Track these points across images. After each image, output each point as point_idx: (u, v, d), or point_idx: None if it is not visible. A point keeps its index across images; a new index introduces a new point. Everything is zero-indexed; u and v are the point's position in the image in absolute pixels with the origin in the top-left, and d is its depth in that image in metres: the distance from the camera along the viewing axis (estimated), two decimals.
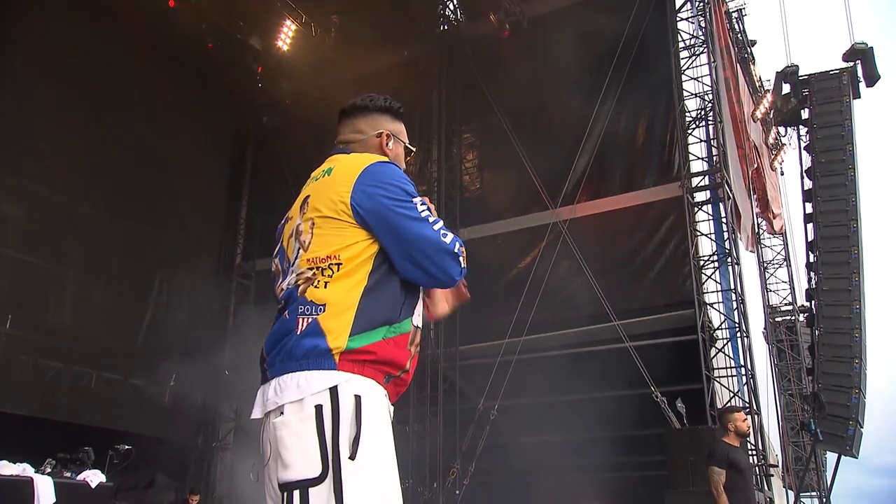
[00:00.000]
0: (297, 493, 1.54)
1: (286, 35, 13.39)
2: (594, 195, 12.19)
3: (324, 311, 1.67)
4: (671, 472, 9.00)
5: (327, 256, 1.74)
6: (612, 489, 11.91)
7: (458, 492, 11.40)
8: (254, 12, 13.04)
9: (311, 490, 1.53)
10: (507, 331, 11.53)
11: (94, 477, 6.29)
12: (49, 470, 6.12)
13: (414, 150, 2.11)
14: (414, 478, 11.79)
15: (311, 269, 1.74)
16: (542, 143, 12.72)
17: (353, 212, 1.74)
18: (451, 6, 14.45)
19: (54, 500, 5.70)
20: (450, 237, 1.78)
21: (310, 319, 1.67)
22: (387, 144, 2.03)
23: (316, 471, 1.54)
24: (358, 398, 1.61)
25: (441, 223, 1.81)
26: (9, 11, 9.97)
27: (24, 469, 5.73)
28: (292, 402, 1.62)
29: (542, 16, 13.22)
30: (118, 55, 10.83)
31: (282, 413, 1.63)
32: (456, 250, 1.78)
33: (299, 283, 1.74)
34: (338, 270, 1.72)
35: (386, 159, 1.90)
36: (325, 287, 1.70)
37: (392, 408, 1.82)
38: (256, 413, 1.72)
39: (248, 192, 15.23)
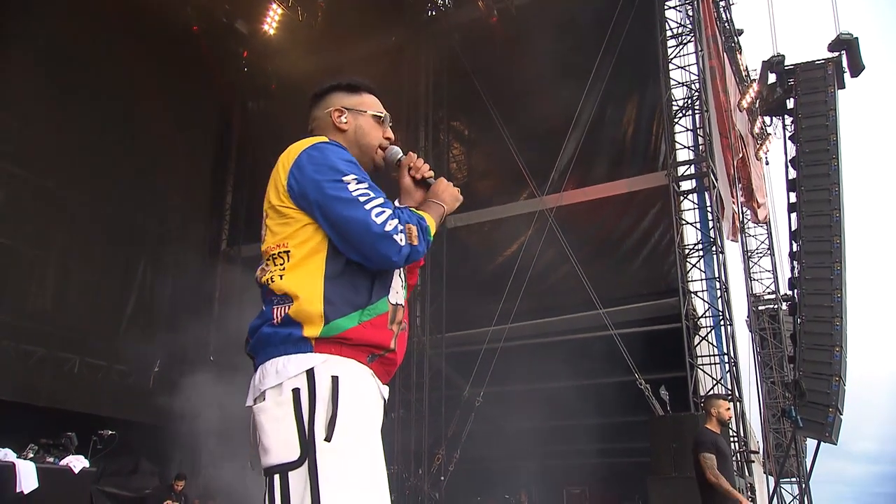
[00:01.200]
0: (277, 478, 1.54)
1: (272, 19, 13.27)
2: (581, 183, 12.23)
3: (293, 303, 1.66)
4: (654, 459, 9.08)
5: (276, 245, 1.74)
6: (596, 475, 12.06)
7: (443, 478, 11.47)
8: None
9: (290, 474, 1.53)
10: (493, 318, 11.56)
11: (76, 462, 6.27)
12: (31, 455, 6.09)
13: (383, 114, 2.01)
14: (399, 464, 11.83)
15: (267, 259, 1.75)
16: (529, 130, 12.71)
17: (290, 198, 1.73)
18: None
19: (37, 485, 5.67)
20: (384, 216, 1.69)
21: (283, 311, 1.67)
22: (339, 119, 1.97)
23: (294, 454, 1.54)
24: (335, 379, 1.60)
25: (377, 201, 1.71)
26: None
27: (5, 454, 5.70)
28: (272, 388, 1.62)
29: (529, 2, 13.18)
30: (99, 36, 10.66)
31: (264, 399, 1.63)
32: (389, 229, 1.67)
33: (264, 273, 1.74)
34: (288, 259, 1.71)
35: (326, 139, 1.85)
36: (282, 279, 1.70)
37: (384, 387, 1.81)
38: (248, 401, 1.71)
39: (233, 177, 15.11)
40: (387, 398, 1.82)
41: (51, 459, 6.22)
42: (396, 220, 1.71)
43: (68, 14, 10.23)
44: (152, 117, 11.62)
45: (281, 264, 1.72)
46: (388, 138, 2.03)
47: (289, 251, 1.72)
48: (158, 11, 11.33)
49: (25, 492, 5.56)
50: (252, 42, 13.86)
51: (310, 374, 1.60)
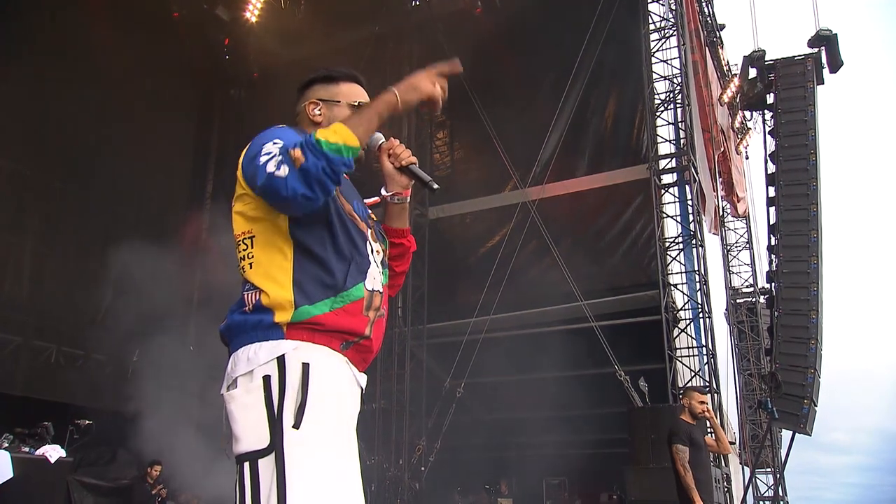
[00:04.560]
0: (247, 466, 1.53)
1: (254, 6, 13.12)
2: (563, 176, 12.26)
3: (264, 291, 1.65)
4: (633, 449, 9.17)
5: (241, 233, 1.74)
6: (576, 466, 12.16)
7: (423, 468, 11.50)
8: None
9: (260, 462, 1.52)
10: (475, 310, 11.58)
11: (53, 452, 6.21)
12: (6, 445, 6.01)
13: (358, 102, 1.94)
14: (380, 454, 11.84)
15: (237, 245, 1.74)
16: (512, 122, 12.71)
17: (246, 181, 1.71)
18: None
19: (12, 474, 5.61)
20: (268, 158, 1.59)
21: (254, 297, 1.66)
22: (313, 112, 1.93)
23: (263, 442, 1.53)
24: (306, 366, 1.59)
25: (275, 149, 1.60)
26: None
27: None
28: (243, 375, 1.61)
29: None
30: (77, 21, 10.47)
31: (235, 387, 1.62)
32: (270, 169, 1.56)
33: (239, 263, 1.74)
34: (252, 245, 1.71)
35: (281, 126, 1.82)
36: (251, 267, 1.69)
37: (361, 375, 1.80)
38: (222, 389, 1.70)
39: (213, 165, 14.97)
40: (364, 386, 1.81)
41: (26, 449, 6.15)
42: (279, 156, 1.59)
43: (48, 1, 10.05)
44: (131, 104, 11.46)
45: (246, 250, 1.71)
46: None
47: (254, 236, 1.72)
48: None
49: (0, 481, 5.50)
50: (234, 29, 13.69)
51: (280, 360, 1.59)
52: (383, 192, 2.00)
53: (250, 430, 1.55)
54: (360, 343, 1.74)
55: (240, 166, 1.73)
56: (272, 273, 1.67)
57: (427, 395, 12.22)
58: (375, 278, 1.82)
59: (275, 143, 1.64)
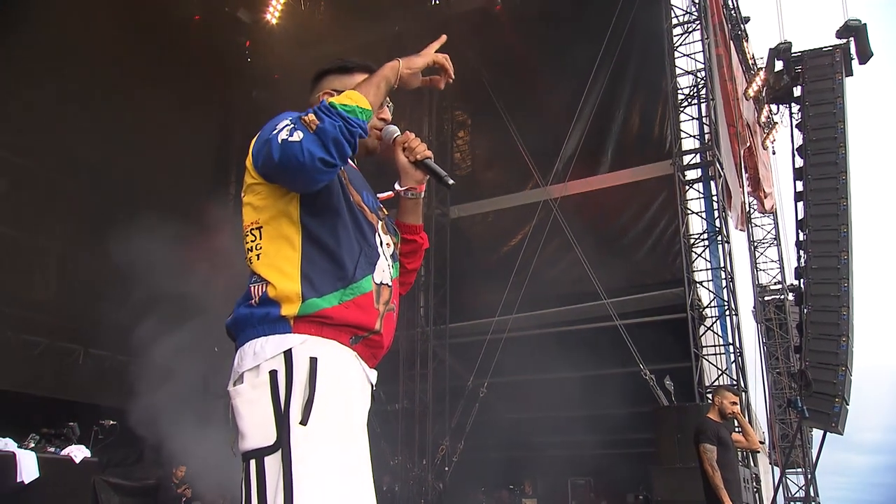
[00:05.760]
0: (253, 463, 1.48)
1: (275, 8, 13.19)
2: (585, 173, 12.14)
3: (271, 283, 1.60)
4: (659, 449, 9.04)
5: (249, 224, 1.69)
6: (601, 466, 12.03)
7: (447, 468, 11.46)
8: None
9: (266, 459, 1.47)
10: (497, 309, 11.51)
11: (78, 452, 6.26)
12: (32, 445, 6.07)
13: None
14: (403, 455, 11.83)
15: (244, 240, 1.70)
16: (533, 120, 12.63)
17: (255, 168, 1.66)
18: None
19: (38, 474, 5.66)
20: (282, 127, 1.54)
21: (261, 289, 1.61)
22: None
23: (270, 439, 1.48)
24: (314, 360, 1.54)
25: (285, 126, 1.54)
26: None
27: (6, 444, 5.69)
28: (249, 370, 1.56)
29: None
30: (99, 26, 10.55)
31: (242, 382, 1.57)
32: (283, 136, 1.52)
33: (246, 254, 1.69)
34: (259, 236, 1.66)
35: (290, 112, 1.75)
36: (259, 259, 1.65)
37: (371, 371, 1.75)
38: (229, 385, 1.66)
39: (235, 167, 15.06)
40: (374, 382, 1.76)
41: (52, 449, 6.21)
42: (291, 125, 1.55)
43: (68, 6, 10.15)
44: (154, 108, 11.52)
45: (254, 241, 1.66)
46: (382, 119, 1.93)
47: (261, 227, 1.67)
48: (160, 1, 11.26)
49: (26, 481, 5.55)
50: (255, 31, 13.77)
51: (287, 355, 1.54)
52: (397, 186, 1.95)
53: (256, 427, 1.50)
54: (369, 338, 1.69)
55: (250, 154, 1.68)
56: (279, 264, 1.62)
57: (450, 395, 12.17)
58: (385, 271, 1.76)
59: (285, 120, 1.60)
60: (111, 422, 7.30)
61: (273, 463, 1.46)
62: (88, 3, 10.36)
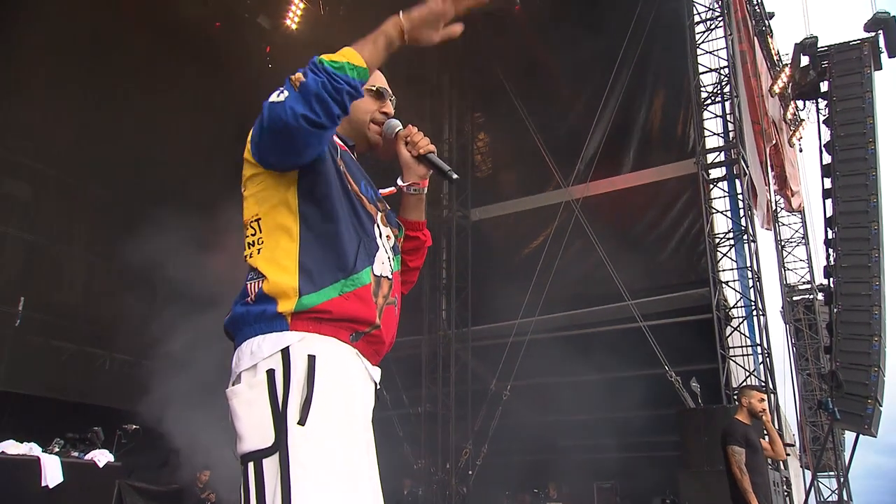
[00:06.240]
0: (251, 466, 1.43)
1: (294, 13, 13.23)
2: (607, 173, 12.02)
3: (266, 278, 1.55)
4: (685, 453, 8.89)
5: (249, 217, 1.64)
6: (627, 469, 11.85)
7: (470, 472, 11.39)
8: None
9: (264, 461, 1.42)
10: (519, 311, 11.43)
11: (101, 456, 6.29)
12: (57, 450, 6.11)
13: (376, 88, 1.86)
14: (426, 458, 11.78)
15: (245, 234, 1.65)
16: (554, 121, 12.56)
17: (252, 155, 1.62)
18: None
19: (62, 479, 5.69)
20: (272, 95, 1.50)
21: (257, 287, 1.56)
22: None
23: (268, 440, 1.43)
24: (312, 358, 1.49)
25: (278, 91, 1.51)
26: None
27: (30, 448, 5.73)
28: (247, 370, 1.52)
29: None
30: (120, 34, 10.69)
31: (238, 383, 1.53)
32: (272, 98, 1.48)
33: (246, 249, 1.64)
34: (259, 230, 1.61)
35: None
36: (259, 253, 1.60)
37: (375, 369, 1.70)
38: (229, 385, 1.62)
39: None
40: (378, 381, 1.71)
41: (76, 454, 6.25)
42: (282, 87, 1.51)
43: (89, 12, 10.27)
44: (175, 113, 11.62)
45: (254, 235, 1.62)
46: (384, 112, 1.88)
47: (260, 219, 1.62)
48: (180, 9, 11.35)
49: (50, 486, 5.59)
50: (275, 37, 13.83)
51: (285, 353, 1.49)
52: (399, 182, 1.90)
53: (254, 428, 1.45)
54: (370, 334, 1.63)
55: (248, 143, 1.64)
56: (277, 257, 1.57)
57: (473, 398, 12.10)
58: (385, 263, 1.71)
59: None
60: (134, 426, 7.33)
61: (271, 465, 1.41)
62: (109, 9, 10.46)
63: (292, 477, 1.39)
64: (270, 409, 1.45)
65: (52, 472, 5.66)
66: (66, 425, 7.06)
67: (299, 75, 1.49)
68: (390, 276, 1.72)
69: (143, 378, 11.31)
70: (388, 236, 1.77)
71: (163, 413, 10.60)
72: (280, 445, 1.41)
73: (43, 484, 5.58)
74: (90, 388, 10.53)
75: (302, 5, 13.09)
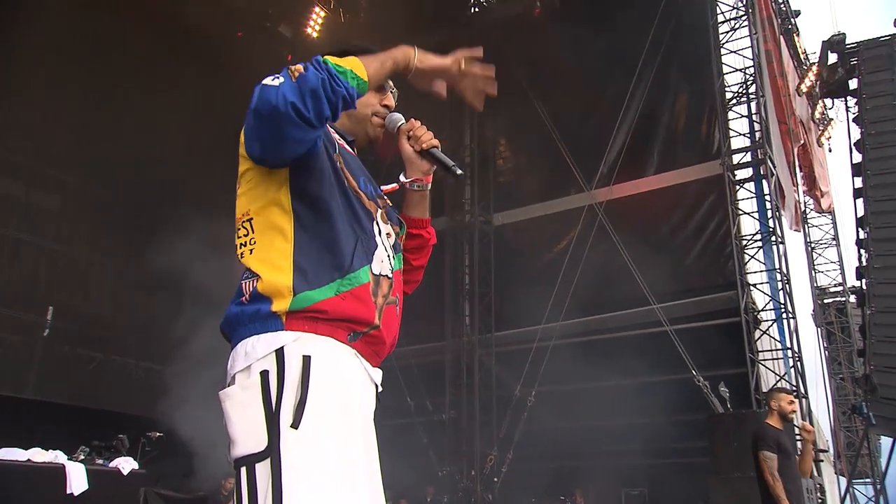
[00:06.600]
0: (244, 471, 1.38)
1: (315, 22, 13.33)
2: (631, 176, 11.89)
3: (260, 277, 1.51)
4: (715, 459, 8.71)
5: (241, 216, 1.60)
6: (655, 476, 11.66)
7: (496, 479, 11.29)
8: (283, 0, 13.02)
9: (257, 466, 1.37)
10: (543, 316, 11.32)
11: (125, 464, 6.32)
12: (82, 457, 6.15)
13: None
14: (451, 465, 11.70)
15: (237, 234, 1.61)
16: (576, 124, 12.47)
17: (245, 148, 1.57)
18: None
19: (87, 486, 5.72)
20: (267, 79, 1.44)
21: (251, 286, 1.52)
22: None
23: (261, 444, 1.38)
24: (307, 359, 1.43)
25: (273, 76, 1.45)
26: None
27: (56, 456, 5.77)
28: (241, 371, 1.47)
29: None
30: (144, 46, 10.82)
31: (233, 384, 1.48)
32: (267, 81, 1.43)
33: (238, 249, 1.60)
34: (251, 229, 1.57)
35: None
36: (251, 253, 1.55)
37: (376, 371, 1.64)
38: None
39: None
40: (379, 383, 1.65)
41: (100, 461, 6.29)
42: (277, 74, 1.46)
43: (112, 21, 10.40)
44: (199, 123, 11.76)
45: (246, 235, 1.58)
46: (386, 106, 1.84)
47: (252, 218, 1.58)
48: (202, 18, 11.46)
49: (75, 493, 5.62)
50: (296, 45, 13.94)
51: (279, 354, 1.44)
52: (402, 178, 1.85)
53: (247, 432, 1.40)
54: (369, 334, 1.58)
55: (242, 136, 1.60)
56: (271, 256, 1.53)
57: (497, 404, 12.01)
58: (384, 262, 1.66)
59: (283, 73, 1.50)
60: (158, 434, 7.37)
61: (264, 470, 1.36)
62: (132, 22, 10.56)
63: (284, 482, 1.34)
64: (264, 411, 1.40)
65: (76, 479, 5.69)
66: (93, 433, 7.12)
67: (299, 67, 1.44)
68: (390, 275, 1.67)
69: (169, 385, 11.41)
70: (388, 234, 1.72)
71: (187, 420, 10.68)
72: (272, 449, 1.37)
73: (68, 491, 5.61)
74: (118, 395, 10.63)
75: (322, 13, 13.18)
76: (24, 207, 10.69)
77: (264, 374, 1.43)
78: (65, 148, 10.61)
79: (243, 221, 1.60)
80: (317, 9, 13.15)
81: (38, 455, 5.65)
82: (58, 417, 9.17)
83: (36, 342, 10.12)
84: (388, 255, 1.69)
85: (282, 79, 1.43)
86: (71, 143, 10.61)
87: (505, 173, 14.08)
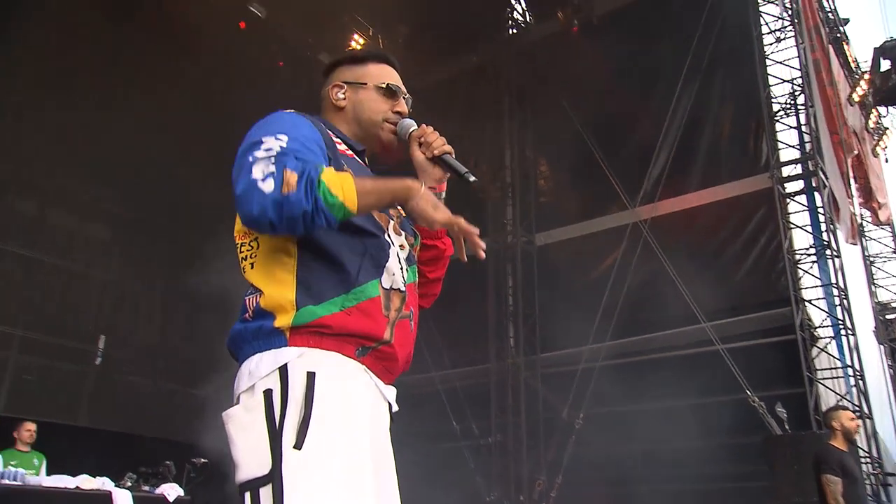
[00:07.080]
0: (248, 496, 1.33)
1: (354, 49, 13.50)
2: (676, 192, 11.64)
3: (263, 292, 1.47)
4: (774, 482, 8.34)
5: (241, 230, 1.57)
6: (709, 500, 11.23)
7: None
8: (322, 28, 13.22)
9: (261, 490, 1.32)
10: (589, 336, 11.11)
11: (171, 491, 6.37)
12: (129, 484, 6.22)
13: (386, 85, 1.76)
14: (498, 490, 11.49)
15: (239, 249, 1.58)
16: (618, 141, 12.30)
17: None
18: (520, 8, 14.25)
19: None
20: (261, 166, 1.40)
21: (254, 302, 1.48)
22: (336, 95, 1.78)
23: (265, 468, 1.32)
24: (311, 375, 1.38)
25: (269, 158, 1.40)
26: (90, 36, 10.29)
27: (103, 483, 5.85)
28: (245, 391, 1.42)
29: (611, 10, 12.80)
30: (187, 77, 11.07)
31: (237, 405, 1.43)
32: (255, 176, 1.38)
33: (240, 264, 1.57)
34: (254, 245, 1.53)
35: (291, 112, 1.67)
36: (252, 268, 1.52)
37: (389, 388, 1.57)
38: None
39: None
40: (392, 401, 1.58)
41: (146, 488, 6.35)
42: (273, 165, 1.39)
43: (158, 56, 10.64)
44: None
45: (248, 250, 1.55)
46: (398, 112, 1.78)
47: (256, 236, 1.54)
48: (245, 51, 11.72)
49: None
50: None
51: (283, 371, 1.39)
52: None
53: (250, 455, 1.35)
54: (379, 349, 1.51)
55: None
56: (273, 271, 1.49)
57: (544, 427, 11.78)
58: (395, 275, 1.59)
59: (277, 139, 1.46)
60: (203, 460, 7.42)
61: (268, 495, 1.31)
62: (171, 54, 10.64)
63: None
64: (268, 432, 1.35)
65: None
66: (140, 459, 7.21)
67: (294, 180, 1.37)
68: (403, 289, 1.60)
69: (212, 410, 11.51)
70: (401, 245, 1.66)
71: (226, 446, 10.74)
72: (275, 473, 1.31)
73: None
74: (164, 421, 10.78)
75: (362, 40, 13.36)
76: (75, 238, 11.00)
77: (268, 394, 1.39)
78: (117, 180, 10.88)
79: (246, 238, 1.57)
80: (356, 36, 13.33)
81: (86, 482, 5.73)
82: (107, 444, 9.33)
83: (89, 371, 10.39)
84: (401, 268, 1.62)
85: (272, 184, 1.37)
86: (119, 175, 10.87)
87: (546, 193, 13.96)
